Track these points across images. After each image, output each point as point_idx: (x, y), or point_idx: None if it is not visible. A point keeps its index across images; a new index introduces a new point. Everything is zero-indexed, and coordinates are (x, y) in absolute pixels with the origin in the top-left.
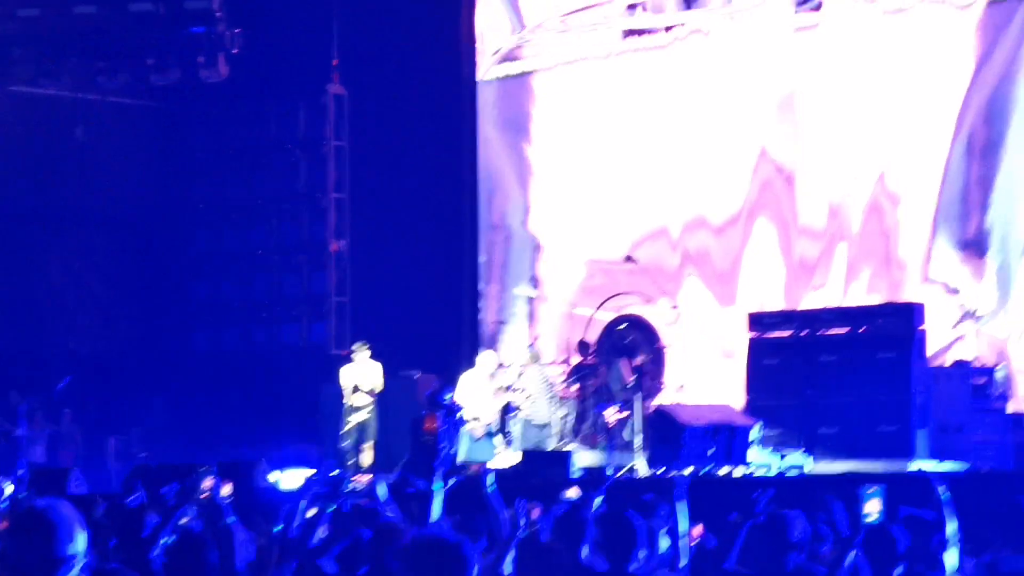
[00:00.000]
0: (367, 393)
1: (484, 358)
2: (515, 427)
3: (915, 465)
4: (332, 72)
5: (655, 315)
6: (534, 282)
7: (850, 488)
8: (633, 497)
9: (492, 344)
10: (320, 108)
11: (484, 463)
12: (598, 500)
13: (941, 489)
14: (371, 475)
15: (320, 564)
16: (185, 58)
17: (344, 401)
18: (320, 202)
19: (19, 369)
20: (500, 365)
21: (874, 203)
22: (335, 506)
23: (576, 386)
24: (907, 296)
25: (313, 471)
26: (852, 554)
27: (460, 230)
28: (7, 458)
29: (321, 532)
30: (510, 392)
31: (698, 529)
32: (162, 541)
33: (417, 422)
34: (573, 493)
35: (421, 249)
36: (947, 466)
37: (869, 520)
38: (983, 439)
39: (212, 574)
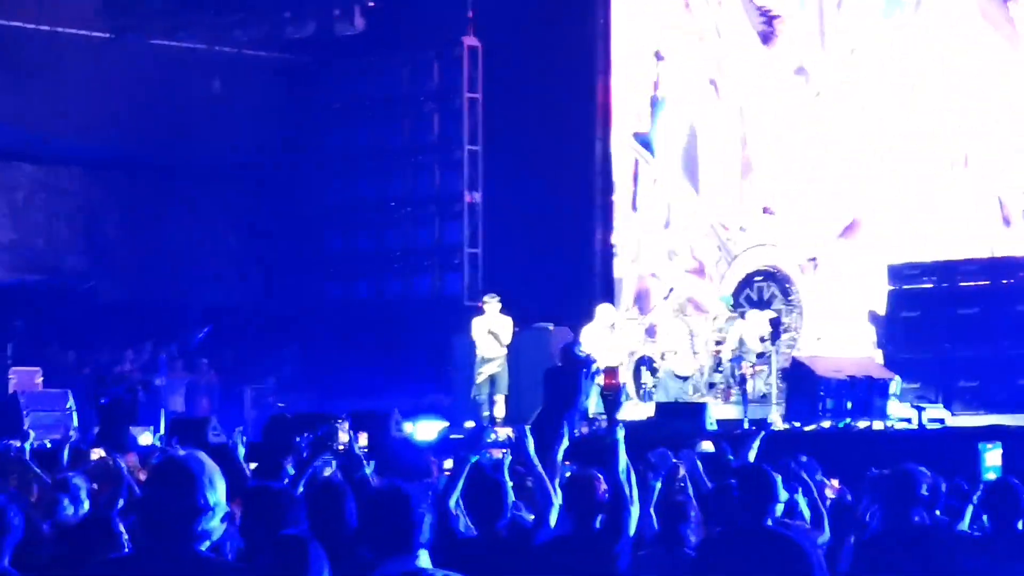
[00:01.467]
0: (499, 344)
1: (602, 311)
2: (648, 378)
3: None
4: (467, 24)
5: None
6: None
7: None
8: (771, 451)
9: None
10: (454, 60)
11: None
12: (753, 451)
13: None
14: (511, 427)
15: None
16: (321, 11)
17: (477, 353)
18: (453, 154)
19: (156, 320)
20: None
21: None
22: (476, 457)
23: (715, 339)
24: None
25: (447, 423)
26: (970, 508)
27: (594, 182)
28: (148, 408)
29: (461, 484)
30: (649, 344)
31: (835, 483)
32: (299, 491)
33: (550, 373)
34: (707, 446)
35: (553, 201)
36: None
37: (988, 477)
38: None
39: (351, 525)
